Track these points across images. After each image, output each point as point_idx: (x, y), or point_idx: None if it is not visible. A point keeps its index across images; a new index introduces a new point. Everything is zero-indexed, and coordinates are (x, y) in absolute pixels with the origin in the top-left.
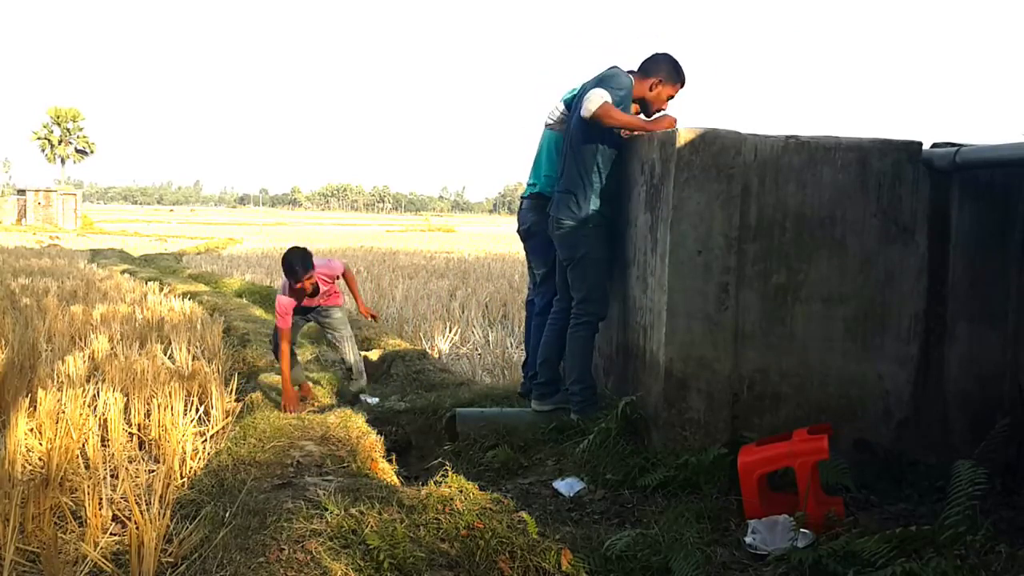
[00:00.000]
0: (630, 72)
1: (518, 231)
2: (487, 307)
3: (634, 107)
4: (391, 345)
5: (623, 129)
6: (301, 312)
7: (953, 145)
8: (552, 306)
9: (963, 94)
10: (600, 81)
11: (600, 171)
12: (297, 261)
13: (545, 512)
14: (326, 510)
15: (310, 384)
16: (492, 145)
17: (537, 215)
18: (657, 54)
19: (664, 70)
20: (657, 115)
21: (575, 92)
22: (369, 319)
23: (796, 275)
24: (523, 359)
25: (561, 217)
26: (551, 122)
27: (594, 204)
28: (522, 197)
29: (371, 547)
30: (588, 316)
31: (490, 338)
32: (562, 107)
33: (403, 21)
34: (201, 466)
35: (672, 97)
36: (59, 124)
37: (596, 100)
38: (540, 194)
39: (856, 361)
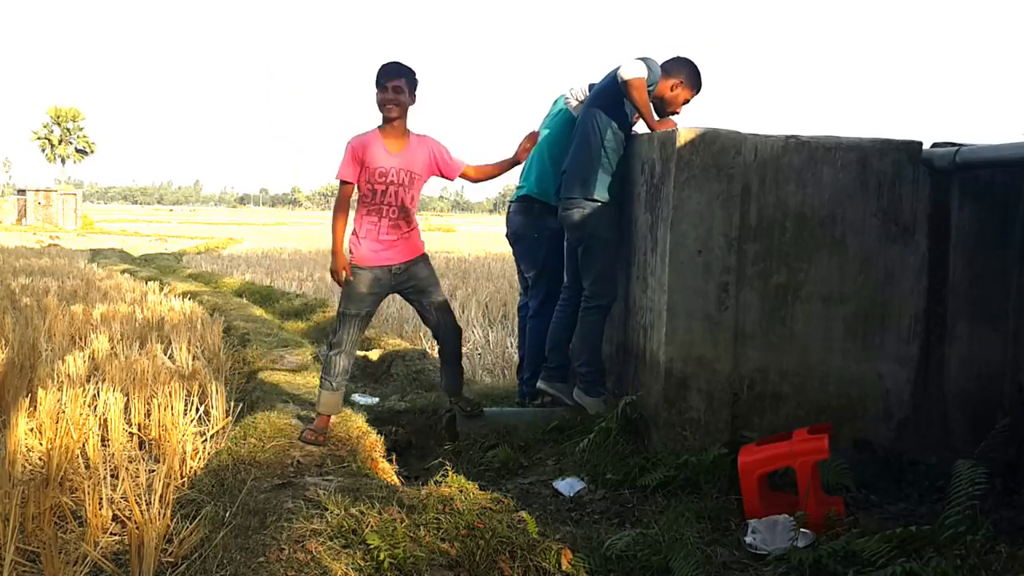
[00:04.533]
0: None
1: (507, 235)
2: (487, 307)
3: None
4: (391, 345)
5: (635, 114)
6: (378, 286)
7: (953, 145)
8: (545, 305)
9: (963, 94)
10: (643, 58)
11: (607, 152)
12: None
13: (545, 512)
14: (326, 510)
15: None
16: (492, 145)
17: (525, 218)
18: (680, 57)
19: (686, 73)
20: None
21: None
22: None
23: (796, 275)
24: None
25: (570, 196)
26: (570, 98)
27: (602, 184)
28: (510, 201)
29: (371, 547)
30: (598, 299)
31: (490, 338)
32: (587, 88)
33: (403, 21)
34: (201, 466)
35: (688, 102)
36: (59, 124)
37: (637, 69)
38: (528, 197)
39: (856, 361)
